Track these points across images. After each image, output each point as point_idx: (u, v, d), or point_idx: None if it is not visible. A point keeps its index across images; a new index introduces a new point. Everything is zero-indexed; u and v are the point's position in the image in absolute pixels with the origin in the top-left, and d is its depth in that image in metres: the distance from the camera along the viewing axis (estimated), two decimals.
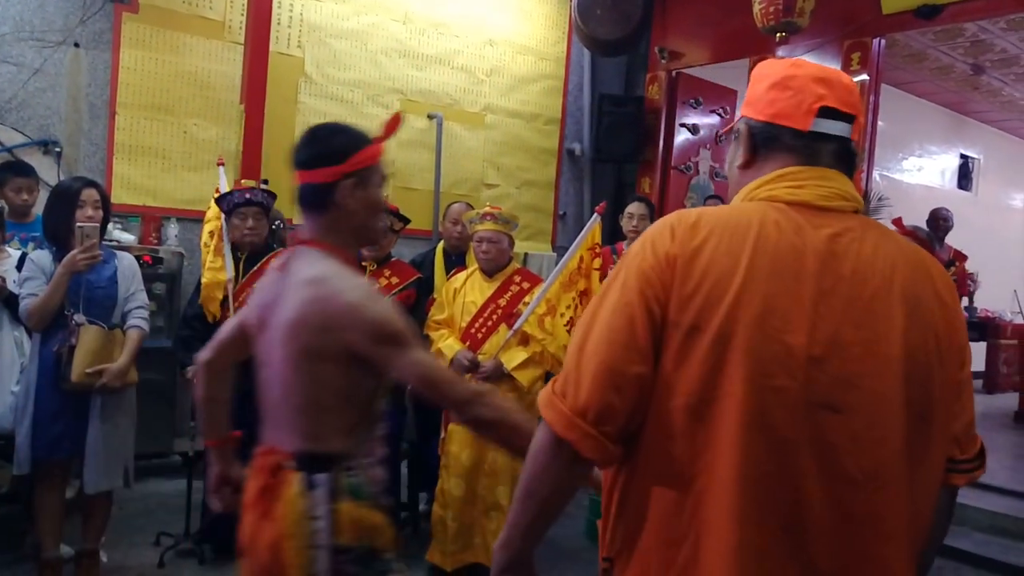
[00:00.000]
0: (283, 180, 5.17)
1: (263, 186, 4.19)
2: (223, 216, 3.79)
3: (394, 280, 3.59)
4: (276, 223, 4.38)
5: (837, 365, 1.13)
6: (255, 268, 3.74)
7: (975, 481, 1.29)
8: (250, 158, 4.99)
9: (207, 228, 3.86)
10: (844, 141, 1.27)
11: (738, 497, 1.12)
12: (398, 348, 1.57)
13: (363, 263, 3.63)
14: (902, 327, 1.16)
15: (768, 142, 1.29)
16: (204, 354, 1.92)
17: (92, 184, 3.19)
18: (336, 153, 1.67)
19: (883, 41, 5.95)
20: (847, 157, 1.28)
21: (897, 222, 4.23)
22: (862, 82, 5.83)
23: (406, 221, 3.67)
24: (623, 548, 1.25)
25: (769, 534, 1.13)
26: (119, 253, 3.36)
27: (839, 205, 1.23)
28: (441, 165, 6.24)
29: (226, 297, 3.67)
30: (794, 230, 1.19)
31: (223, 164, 4.13)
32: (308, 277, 1.62)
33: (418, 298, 3.67)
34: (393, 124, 1.77)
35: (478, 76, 6.49)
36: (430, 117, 6.19)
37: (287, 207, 5.24)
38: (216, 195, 3.88)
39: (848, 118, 1.27)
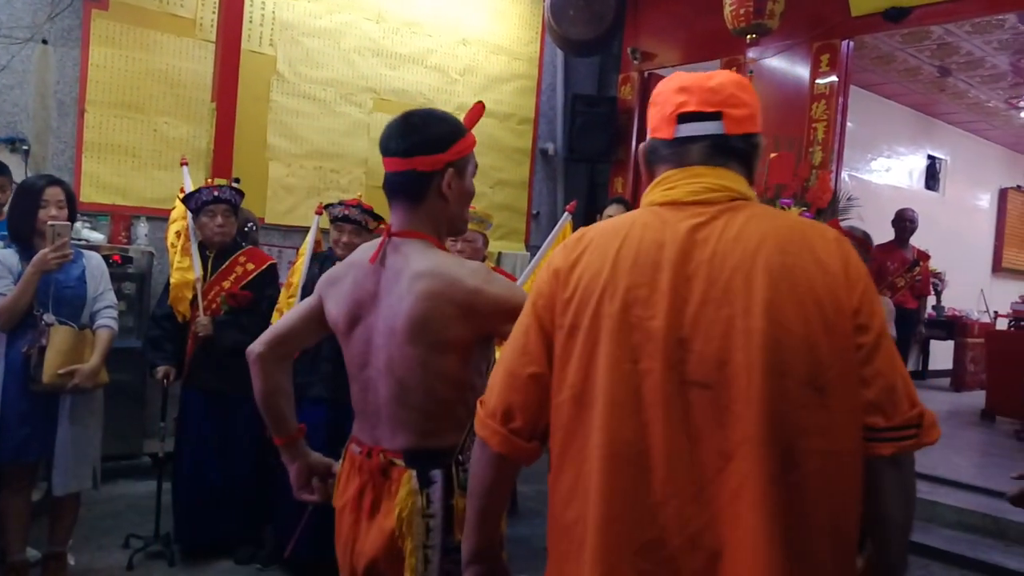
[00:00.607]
0: (254, 178, 5.18)
1: (235, 184, 4.17)
2: (190, 215, 3.77)
3: None
4: (249, 224, 4.35)
5: (703, 343, 1.20)
6: (224, 266, 3.73)
7: (909, 450, 1.22)
8: (221, 156, 4.95)
9: (173, 228, 3.83)
10: (716, 138, 1.32)
11: (605, 474, 1.22)
12: None
13: (336, 262, 3.61)
14: (764, 299, 1.18)
15: (652, 156, 1.40)
16: (256, 347, 1.81)
17: (56, 182, 3.15)
18: (439, 141, 1.64)
19: (852, 43, 6.03)
20: (728, 150, 1.32)
21: (834, 223, 4.30)
22: (831, 84, 5.92)
23: (379, 220, 3.65)
24: (549, 538, 1.37)
25: (634, 507, 1.21)
26: (87, 252, 3.32)
27: (709, 197, 1.29)
28: None
29: (195, 296, 3.64)
30: (658, 226, 1.28)
31: (187, 164, 4.10)
32: (422, 269, 1.59)
33: None
34: (476, 113, 1.74)
35: (451, 76, 6.49)
36: None
37: (257, 206, 5.22)
38: (181, 195, 3.84)
39: (714, 116, 1.31)
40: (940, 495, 4.68)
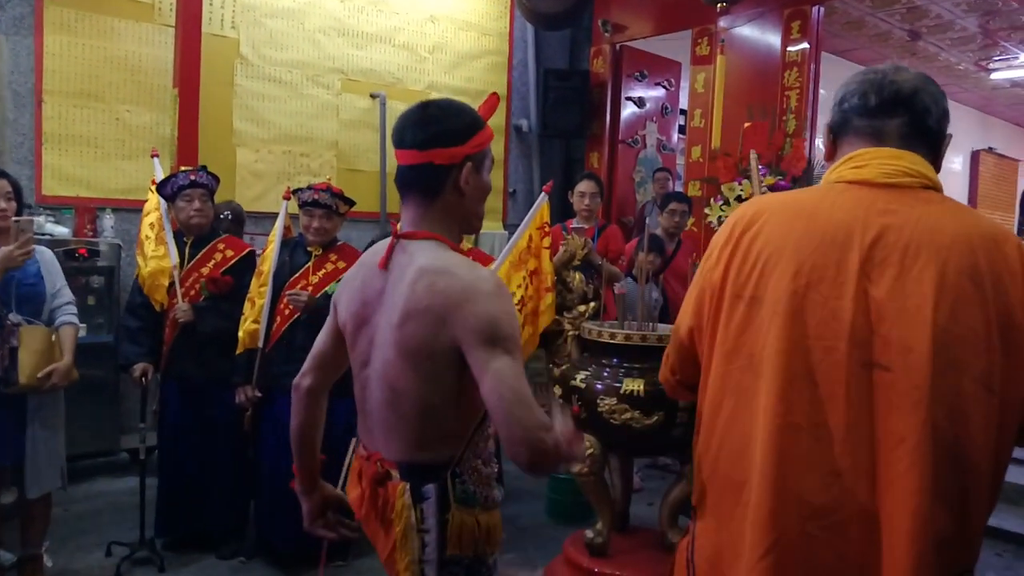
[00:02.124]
0: (221, 165, 5.06)
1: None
2: (163, 204, 3.68)
3: (341, 265, 3.50)
4: (225, 213, 4.25)
5: (889, 328, 1.26)
6: (202, 253, 3.65)
7: None
8: (186, 144, 4.83)
9: (147, 220, 3.74)
10: (914, 115, 1.39)
11: (780, 442, 1.29)
12: (495, 352, 1.39)
13: (308, 248, 3.54)
14: (953, 295, 1.24)
15: (842, 127, 1.45)
16: (305, 381, 1.76)
17: (1, 175, 3.04)
18: (459, 133, 1.53)
19: (822, 9, 5.99)
20: (924, 131, 1.39)
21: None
22: (803, 51, 5.88)
23: (351, 204, 3.58)
24: (709, 494, 1.43)
25: (808, 475, 1.27)
26: (38, 248, 3.15)
27: (904, 181, 1.34)
28: (387, 146, 6.13)
29: (172, 284, 3.57)
30: (848, 206, 1.35)
31: (157, 155, 3.99)
32: (428, 266, 1.48)
33: None
34: (492, 104, 1.64)
35: (420, 54, 6.38)
36: (373, 96, 6.08)
37: (226, 193, 5.11)
38: (153, 186, 3.75)
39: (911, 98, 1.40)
40: None
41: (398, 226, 1.60)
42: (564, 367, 3.19)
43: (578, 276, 4.30)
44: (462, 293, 1.43)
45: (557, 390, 4.54)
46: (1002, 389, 1.23)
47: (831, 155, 1.43)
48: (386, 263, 1.57)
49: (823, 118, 7.61)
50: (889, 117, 1.34)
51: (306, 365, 1.78)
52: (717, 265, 1.40)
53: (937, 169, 1.37)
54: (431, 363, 1.47)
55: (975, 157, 12.67)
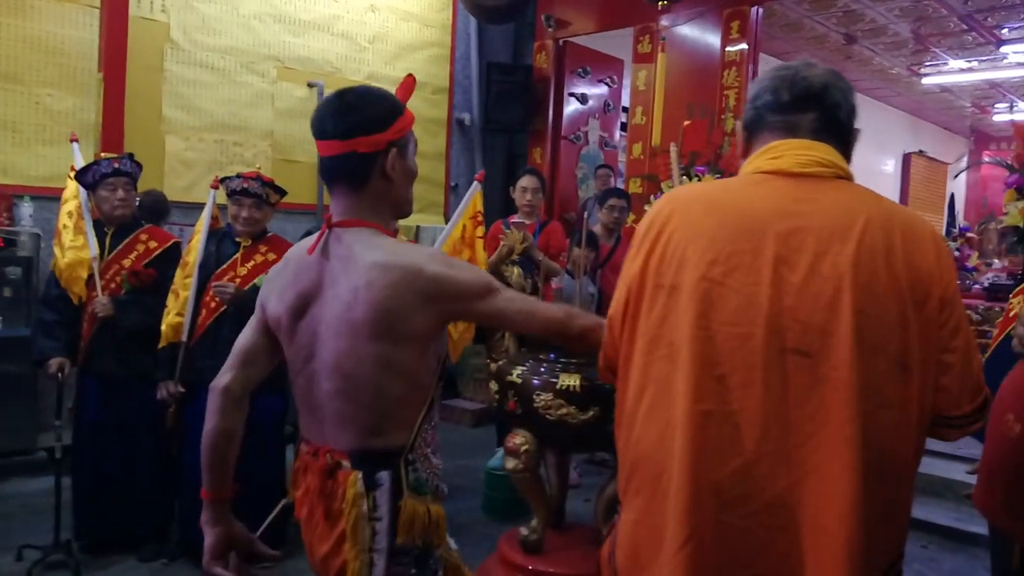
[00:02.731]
0: (149, 153, 4.88)
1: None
2: (83, 192, 3.52)
3: (271, 257, 3.39)
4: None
5: (807, 314, 1.26)
6: (124, 244, 3.50)
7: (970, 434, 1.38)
8: (111, 130, 4.65)
9: (65, 209, 3.57)
10: (826, 110, 1.43)
11: (695, 431, 1.27)
12: (494, 296, 1.54)
13: (236, 239, 3.42)
14: (867, 277, 1.26)
15: (756, 123, 1.48)
16: (223, 379, 1.65)
17: None
18: (379, 120, 1.52)
19: (761, 10, 6.07)
20: (835, 124, 1.42)
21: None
22: (742, 51, 5.95)
23: (282, 193, 3.46)
24: (632, 481, 1.40)
25: (723, 463, 1.26)
26: None
27: (818, 171, 1.37)
28: None
29: (91, 276, 3.41)
30: (763, 194, 1.37)
31: (77, 140, 3.81)
32: (378, 260, 1.47)
33: None
34: (408, 87, 1.61)
35: (360, 43, 6.26)
36: (310, 86, 5.94)
37: (154, 182, 4.94)
38: (72, 173, 3.58)
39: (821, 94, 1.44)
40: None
41: (330, 215, 1.57)
42: (501, 362, 3.14)
43: (517, 271, 4.26)
44: (431, 278, 1.48)
45: (494, 385, 4.50)
46: (918, 368, 1.25)
47: (746, 152, 1.46)
48: (320, 251, 1.54)
49: None
50: (801, 112, 1.38)
51: (227, 363, 1.67)
52: (636, 257, 1.40)
53: (848, 162, 1.41)
54: (400, 352, 1.48)
55: (906, 159, 13.05)
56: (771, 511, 1.24)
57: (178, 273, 3.40)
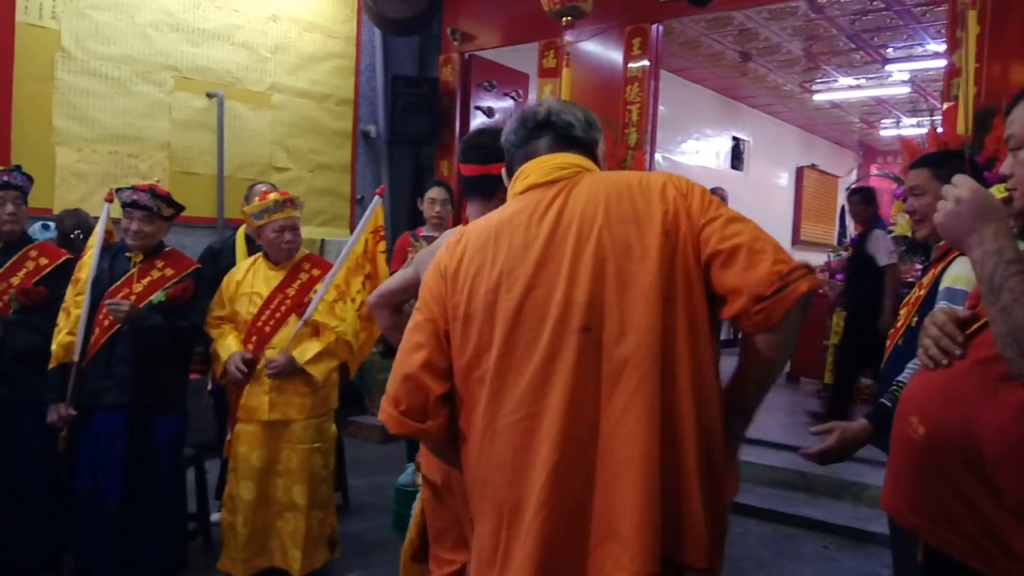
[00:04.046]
0: (38, 165, 4.65)
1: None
2: None
3: (168, 272, 3.27)
4: (77, 232, 3.90)
5: (581, 293, 1.40)
6: (12, 260, 3.33)
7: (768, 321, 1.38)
8: None
9: None
10: (559, 129, 1.64)
11: (512, 437, 1.40)
12: None
13: (128, 254, 3.28)
14: (616, 240, 1.41)
15: (509, 166, 1.71)
16: (372, 298, 2.48)
17: None
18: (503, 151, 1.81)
19: (661, 28, 6.25)
20: (569, 139, 1.62)
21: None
22: (643, 67, 6.11)
23: (178, 208, 3.35)
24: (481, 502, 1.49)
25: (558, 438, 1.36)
26: None
27: (560, 175, 1.54)
28: (224, 148, 5.83)
29: None
30: (523, 208, 1.53)
31: None
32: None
33: (196, 290, 3.37)
34: None
35: (262, 53, 6.13)
36: (210, 96, 5.77)
37: (44, 196, 4.70)
38: None
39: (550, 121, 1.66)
40: (754, 455, 4.97)
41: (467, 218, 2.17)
42: None
43: None
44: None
45: None
46: (683, 296, 1.37)
47: (512, 184, 1.64)
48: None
49: (662, 133, 7.99)
50: (538, 138, 1.60)
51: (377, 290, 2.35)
52: (439, 298, 1.53)
53: (597, 163, 1.60)
54: None
55: (799, 173, 13.63)
56: (585, 476, 1.35)
57: (70, 290, 3.25)
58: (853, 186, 6.20)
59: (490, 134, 2.11)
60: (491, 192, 2.11)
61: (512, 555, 1.37)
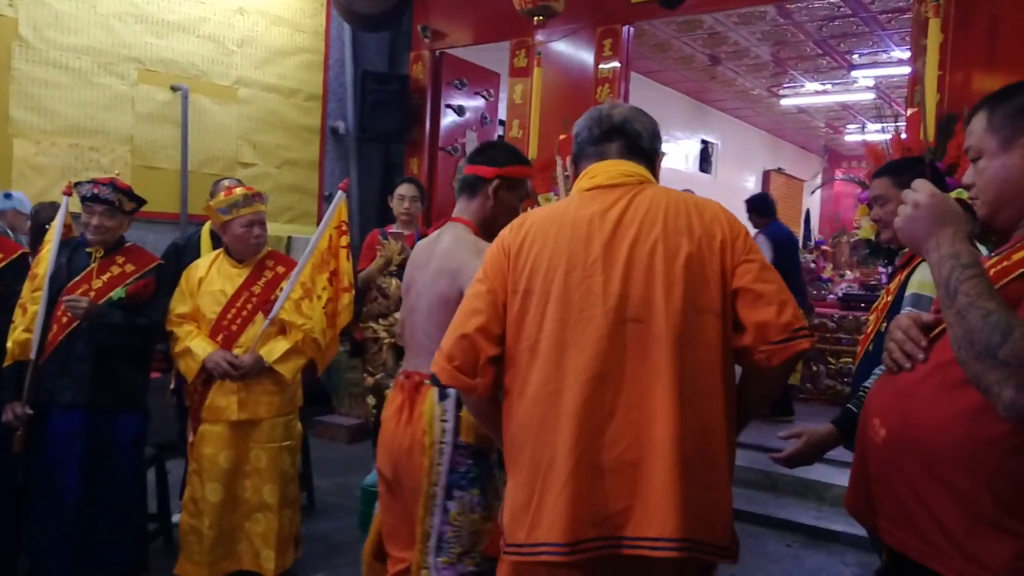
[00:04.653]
0: None
1: None
2: None
3: (128, 268, 3.19)
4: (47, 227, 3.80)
5: (634, 289, 1.60)
6: None
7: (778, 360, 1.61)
8: None
9: None
10: (629, 137, 1.83)
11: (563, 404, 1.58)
12: None
13: (88, 249, 3.21)
14: (670, 251, 1.60)
15: (578, 156, 1.89)
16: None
17: None
18: (497, 159, 2.28)
19: (632, 29, 6.26)
20: (636, 149, 1.80)
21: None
22: (614, 69, 6.12)
23: (140, 201, 3.28)
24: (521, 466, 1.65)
25: (594, 418, 1.56)
26: None
27: (624, 180, 1.74)
28: (189, 142, 5.74)
29: None
30: (587, 205, 1.71)
31: None
32: (451, 239, 2.23)
33: (158, 287, 3.30)
34: (543, 168, 2.04)
35: (228, 47, 6.04)
36: (174, 89, 5.67)
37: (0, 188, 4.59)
38: None
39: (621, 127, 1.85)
40: None
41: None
42: (379, 376, 3.10)
43: (395, 282, 4.21)
44: (457, 259, 2.15)
45: (371, 400, 4.42)
46: (724, 311, 1.58)
47: (575, 177, 1.82)
48: (437, 236, 2.34)
49: None
50: (609, 142, 1.77)
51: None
52: (501, 272, 1.71)
53: (655, 176, 1.78)
54: (450, 308, 1.91)
55: (766, 176, 13.78)
56: (632, 448, 1.54)
57: (26, 286, 3.16)
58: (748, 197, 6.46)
59: (501, 148, 2.41)
60: (473, 191, 2.30)
61: (545, 506, 1.55)
